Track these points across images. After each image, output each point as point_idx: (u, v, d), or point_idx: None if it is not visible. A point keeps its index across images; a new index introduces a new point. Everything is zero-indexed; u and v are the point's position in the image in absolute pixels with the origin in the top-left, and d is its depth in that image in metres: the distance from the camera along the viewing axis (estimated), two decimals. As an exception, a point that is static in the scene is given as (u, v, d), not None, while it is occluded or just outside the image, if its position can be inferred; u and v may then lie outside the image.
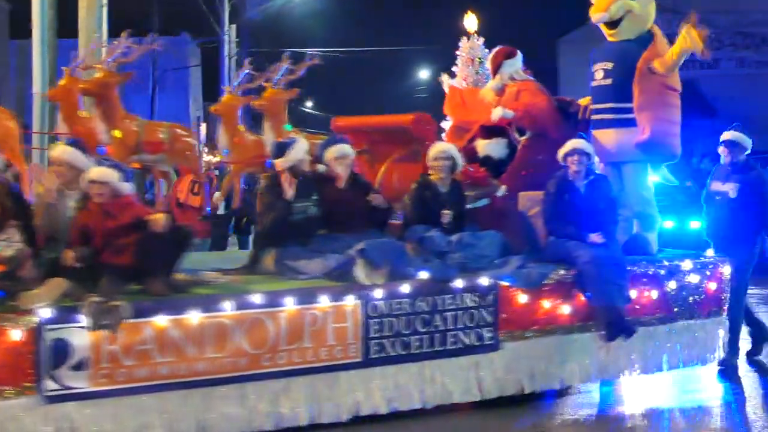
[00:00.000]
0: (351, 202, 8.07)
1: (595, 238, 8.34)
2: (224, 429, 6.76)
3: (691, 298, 8.91)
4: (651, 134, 9.01)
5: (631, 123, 9.12)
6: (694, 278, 8.92)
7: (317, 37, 35.38)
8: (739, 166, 9.50)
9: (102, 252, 6.57)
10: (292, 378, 7.00)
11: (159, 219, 6.57)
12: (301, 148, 8.00)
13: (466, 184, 8.94)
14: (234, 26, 32.01)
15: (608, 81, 9.32)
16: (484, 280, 7.80)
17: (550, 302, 8.16)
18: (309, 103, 41.79)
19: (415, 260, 7.78)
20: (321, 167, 8.25)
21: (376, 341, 7.31)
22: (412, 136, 9.02)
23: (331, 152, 8.21)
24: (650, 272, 8.72)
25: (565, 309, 8.23)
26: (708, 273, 9.02)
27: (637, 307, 8.60)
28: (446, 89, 10.21)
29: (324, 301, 7.08)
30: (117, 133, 7.50)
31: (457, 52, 10.87)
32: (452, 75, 10.86)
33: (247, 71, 8.86)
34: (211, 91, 35.41)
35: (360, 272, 7.26)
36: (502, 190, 8.97)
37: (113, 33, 17.68)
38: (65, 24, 16.56)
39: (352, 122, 9.76)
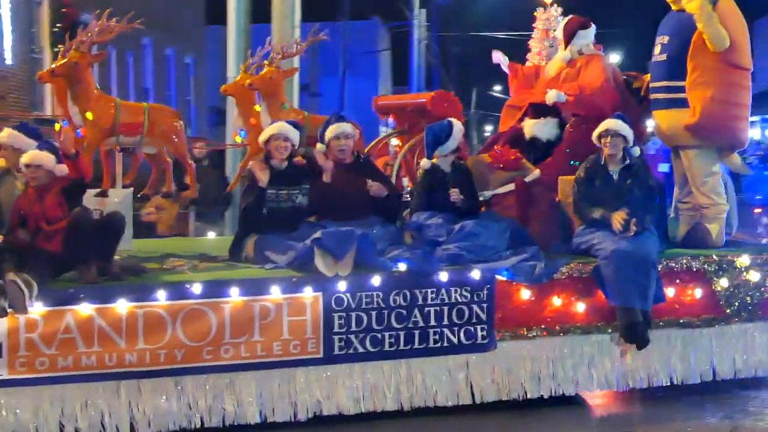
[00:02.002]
0: (343, 188, 7.56)
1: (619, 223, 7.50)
2: (159, 423, 6.46)
3: (749, 299, 7.86)
4: (701, 116, 8.04)
5: (684, 103, 8.16)
6: (753, 275, 7.86)
7: (506, 20, 34.49)
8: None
9: (35, 237, 6.41)
10: (239, 373, 6.60)
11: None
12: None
13: (494, 167, 8.24)
14: (424, 10, 31.80)
15: (663, 56, 8.40)
16: (475, 274, 7.12)
17: (561, 299, 7.38)
18: (497, 87, 40.95)
19: (398, 251, 7.21)
20: (320, 147, 7.78)
21: (341, 337, 6.80)
22: (431, 114, 8.37)
23: (330, 132, 7.74)
24: (693, 268, 7.73)
25: (581, 307, 7.42)
26: (774, 270, 7.94)
27: (677, 306, 7.68)
28: (505, 68, 9.45)
29: (276, 293, 6.63)
30: (89, 115, 7.32)
31: (534, 25, 10.06)
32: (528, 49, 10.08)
33: (269, 49, 8.48)
34: (400, 75, 35.32)
35: (320, 263, 6.75)
36: (533, 175, 8.18)
37: (307, 17, 17.93)
38: (259, 9, 16.86)
39: (393, 101, 9.20)
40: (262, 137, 7.55)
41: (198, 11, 32.51)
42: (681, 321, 7.69)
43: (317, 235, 6.77)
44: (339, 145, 7.71)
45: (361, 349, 6.85)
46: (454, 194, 7.67)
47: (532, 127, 8.74)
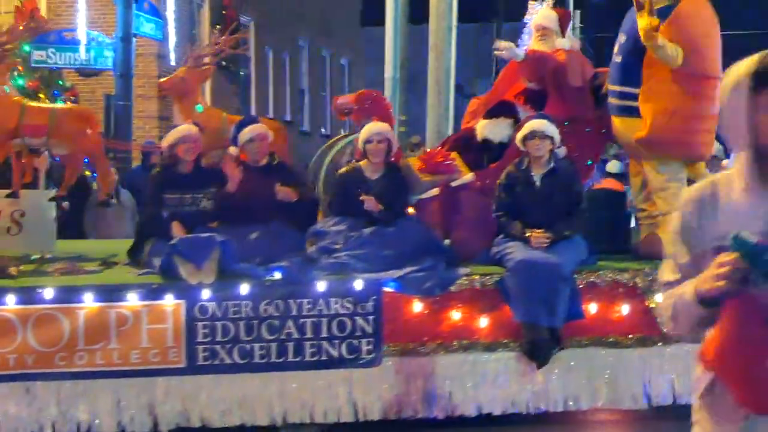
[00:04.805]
0: (249, 193, 7.35)
1: (536, 238, 6.98)
2: (8, 429, 6.43)
3: (691, 317, 7.10)
4: (651, 131, 7.35)
5: (637, 112, 7.48)
6: (696, 292, 7.10)
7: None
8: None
9: None
10: (95, 381, 6.51)
11: None
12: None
13: (423, 171, 7.81)
14: (579, 11, 30.87)
15: (619, 58, 7.73)
16: (358, 284, 6.77)
17: (461, 313, 6.91)
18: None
19: (279, 258, 6.94)
20: (233, 150, 7.61)
21: (206, 347, 6.61)
22: (358, 113, 8.00)
23: (244, 134, 7.53)
24: (620, 281, 7.09)
25: (484, 322, 6.93)
26: (722, 286, 7.14)
27: (602, 324, 7.08)
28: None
29: (133, 300, 6.51)
30: (-9, 117, 7.51)
31: (525, 18, 9.45)
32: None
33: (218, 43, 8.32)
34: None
35: (182, 270, 6.59)
36: (462, 180, 7.70)
37: (462, 18, 17.80)
38: (416, 10, 17.06)
39: (344, 100, 8.82)
40: (167, 140, 7.46)
41: (354, 12, 32.88)
42: (607, 340, 7.06)
43: (174, 240, 6.62)
44: (253, 147, 7.52)
45: (228, 360, 6.63)
46: (369, 203, 7.28)
47: (483, 129, 8.20)
